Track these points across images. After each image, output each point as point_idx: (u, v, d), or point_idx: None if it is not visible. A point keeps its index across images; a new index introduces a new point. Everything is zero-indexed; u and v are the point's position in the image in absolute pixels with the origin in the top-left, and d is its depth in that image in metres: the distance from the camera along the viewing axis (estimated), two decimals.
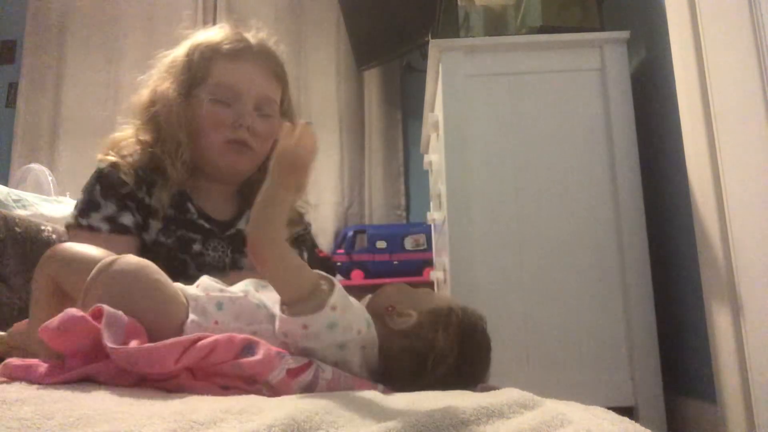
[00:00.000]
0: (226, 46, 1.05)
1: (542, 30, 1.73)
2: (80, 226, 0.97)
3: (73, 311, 0.64)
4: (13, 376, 0.63)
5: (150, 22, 3.26)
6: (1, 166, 3.14)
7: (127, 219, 0.97)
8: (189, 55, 1.06)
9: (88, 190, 1.00)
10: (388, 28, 2.79)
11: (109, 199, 0.98)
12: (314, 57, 3.21)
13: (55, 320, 0.63)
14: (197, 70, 1.04)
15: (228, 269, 1.02)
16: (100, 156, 1.03)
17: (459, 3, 1.88)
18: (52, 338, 0.63)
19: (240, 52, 1.05)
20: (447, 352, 0.72)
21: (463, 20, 1.87)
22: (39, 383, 0.61)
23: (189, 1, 3.24)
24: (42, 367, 0.64)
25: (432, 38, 1.78)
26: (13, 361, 0.65)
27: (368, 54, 2.92)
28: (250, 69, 1.05)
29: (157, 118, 1.03)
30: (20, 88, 3.24)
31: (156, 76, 1.08)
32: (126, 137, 1.05)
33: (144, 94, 1.07)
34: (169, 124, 1.01)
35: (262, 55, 1.08)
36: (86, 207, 0.98)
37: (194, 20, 3.16)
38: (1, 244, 1.14)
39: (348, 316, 0.69)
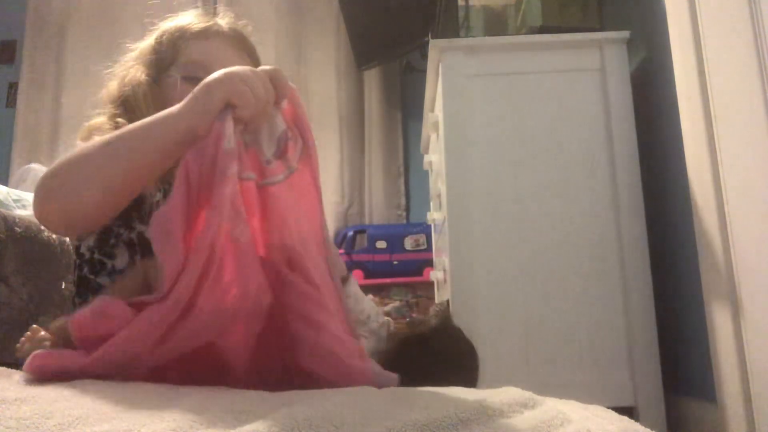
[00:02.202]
0: (195, 26, 1.03)
1: (542, 30, 1.73)
2: None
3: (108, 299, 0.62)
4: (46, 369, 0.59)
5: (150, 22, 3.26)
6: (1, 166, 3.14)
7: None
8: (158, 40, 1.04)
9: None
10: (388, 28, 2.79)
11: None
12: (314, 57, 3.21)
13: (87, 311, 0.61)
14: (167, 51, 1.02)
15: None
16: (81, 142, 0.96)
17: (459, 3, 1.88)
18: (88, 326, 0.60)
19: (209, 30, 1.03)
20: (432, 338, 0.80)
21: (463, 20, 1.87)
22: (79, 367, 0.58)
23: (189, 1, 3.24)
24: (71, 354, 0.60)
25: (432, 38, 1.78)
26: (40, 353, 0.61)
27: (368, 54, 2.92)
28: (221, 46, 1.03)
29: (128, 101, 1.00)
30: (20, 88, 3.24)
31: (125, 65, 1.06)
32: (102, 123, 1.00)
33: (112, 85, 1.04)
34: (140, 105, 0.98)
35: (232, 34, 1.06)
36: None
37: None
38: (1, 244, 1.14)
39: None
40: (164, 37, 1.04)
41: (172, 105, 0.96)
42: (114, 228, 0.91)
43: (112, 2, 3.33)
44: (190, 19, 1.06)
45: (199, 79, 0.96)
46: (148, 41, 1.06)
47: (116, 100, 1.01)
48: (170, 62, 1.02)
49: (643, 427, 0.50)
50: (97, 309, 0.61)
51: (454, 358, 0.79)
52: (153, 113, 0.95)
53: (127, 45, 1.08)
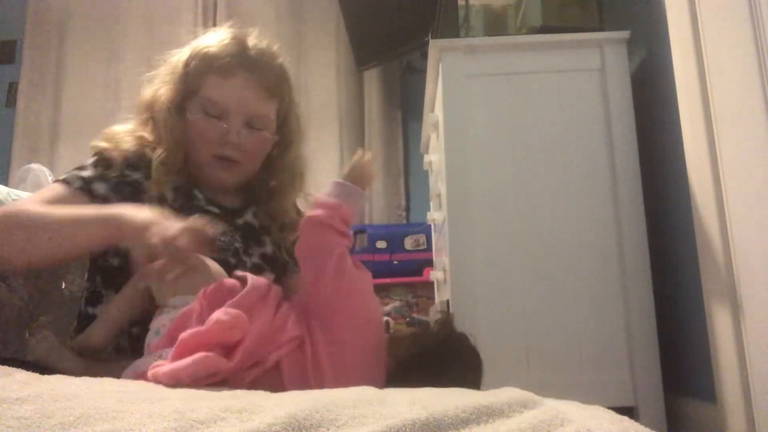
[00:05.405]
0: (221, 61, 1.04)
1: (542, 30, 1.73)
2: (56, 180, 1.02)
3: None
4: (210, 370, 0.64)
5: (150, 22, 3.26)
6: (1, 166, 3.14)
7: (100, 188, 1.00)
8: (187, 64, 1.07)
9: (84, 163, 1.05)
10: (388, 28, 2.79)
11: (97, 168, 1.02)
12: (314, 57, 3.21)
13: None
14: (192, 81, 1.06)
15: (241, 254, 1.04)
16: (93, 143, 1.07)
17: (459, 3, 1.88)
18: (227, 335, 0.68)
19: (233, 67, 1.04)
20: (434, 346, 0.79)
21: (463, 20, 1.87)
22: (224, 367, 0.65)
23: (189, 1, 3.24)
24: (221, 358, 0.66)
25: (432, 38, 1.78)
26: (204, 355, 0.65)
27: (368, 54, 2.92)
28: (241, 86, 1.05)
29: (153, 123, 1.07)
30: (20, 88, 3.24)
31: (160, 78, 1.10)
32: (125, 131, 1.08)
33: (147, 95, 1.09)
34: (161, 132, 1.05)
35: (258, 69, 1.07)
36: (72, 170, 1.03)
37: (194, 21, 3.16)
38: None
39: None
40: (192, 63, 1.07)
41: (190, 138, 1.05)
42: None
43: (113, 2, 3.33)
44: (221, 46, 1.06)
45: (216, 118, 1.04)
46: (181, 57, 1.08)
47: (144, 115, 1.08)
48: (194, 91, 1.06)
49: (643, 427, 0.50)
50: (232, 321, 0.69)
51: (459, 370, 0.77)
52: (171, 140, 1.04)
53: (166, 52, 1.12)
